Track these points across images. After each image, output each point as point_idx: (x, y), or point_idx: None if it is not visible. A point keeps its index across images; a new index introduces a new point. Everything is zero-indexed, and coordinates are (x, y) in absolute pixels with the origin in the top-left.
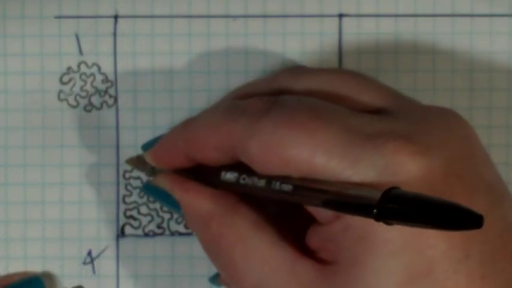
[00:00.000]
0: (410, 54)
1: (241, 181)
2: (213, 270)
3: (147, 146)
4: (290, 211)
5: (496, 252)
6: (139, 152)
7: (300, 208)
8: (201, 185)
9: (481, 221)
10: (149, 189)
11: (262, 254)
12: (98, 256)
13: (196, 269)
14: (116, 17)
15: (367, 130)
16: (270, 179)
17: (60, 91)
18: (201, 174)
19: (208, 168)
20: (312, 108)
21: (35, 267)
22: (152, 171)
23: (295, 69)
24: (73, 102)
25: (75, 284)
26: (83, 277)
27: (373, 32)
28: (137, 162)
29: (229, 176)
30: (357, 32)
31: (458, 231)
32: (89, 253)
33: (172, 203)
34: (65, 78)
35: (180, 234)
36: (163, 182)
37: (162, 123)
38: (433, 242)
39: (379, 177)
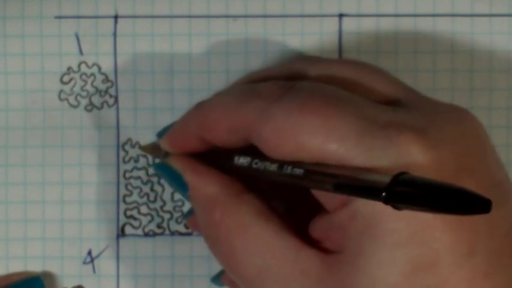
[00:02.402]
0: (410, 54)
1: (254, 165)
2: (214, 270)
3: (162, 133)
4: (295, 205)
5: (501, 250)
6: (140, 152)
7: (305, 203)
8: (212, 169)
9: (489, 205)
10: (160, 168)
11: (264, 243)
12: (98, 256)
13: (196, 269)
14: (116, 17)
15: (381, 120)
16: (282, 163)
17: (61, 91)
18: (214, 158)
19: (222, 153)
20: (326, 95)
21: (35, 267)
22: (166, 158)
23: (311, 57)
24: (73, 102)
25: (75, 284)
26: (83, 277)
27: (373, 32)
28: (151, 149)
29: (243, 160)
30: (357, 32)
31: (466, 215)
32: (89, 253)
33: (180, 185)
34: (66, 78)
35: (180, 234)
36: (176, 163)
37: (162, 123)
38: (439, 235)
39: (390, 166)
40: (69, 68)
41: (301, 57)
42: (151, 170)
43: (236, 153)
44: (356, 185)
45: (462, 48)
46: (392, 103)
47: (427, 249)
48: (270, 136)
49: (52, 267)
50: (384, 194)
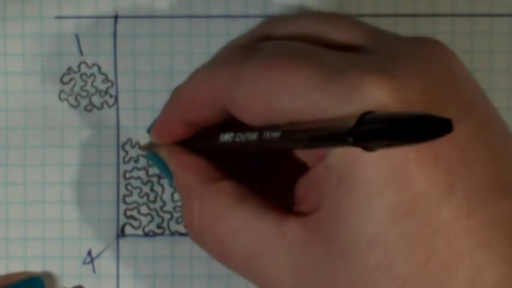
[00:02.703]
0: None
1: (237, 139)
2: (214, 270)
3: (150, 128)
4: (273, 185)
5: (483, 185)
6: (140, 152)
7: (283, 180)
8: (193, 157)
9: (449, 124)
10: (151, 159)
11: (246, 224)
12: (98, 256)
13: (196, 269)
14: (116, 17)
15: (343, 67)
16: (260, 131)
17: (61, 91)
18: (203, 142)
19: (210, 135)
20: (288, 51)
21: (35, 267)
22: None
23: (275, 18)
24: (73, 102)
25: (75, 284)
26: (83, 277)
27: None
28: (150, 147)
29: (227, 136)
30: None
31: (429, 141)
32: (89, 253)
33: (169, 174)
34: (66, 79)
35: (180, 234)
36: (163, 153)
37: None
38: (414, 179)
39: (357, 112)
40: (69, 68)
41: (268, 19)
42: (151, 170)
43: (221, 131)
44: (325, 134)
45: (462, 48)
46: (357, 49)
47: (403, 194)
48: (242, 100)
49: (52, 267)
50: (350, 136)
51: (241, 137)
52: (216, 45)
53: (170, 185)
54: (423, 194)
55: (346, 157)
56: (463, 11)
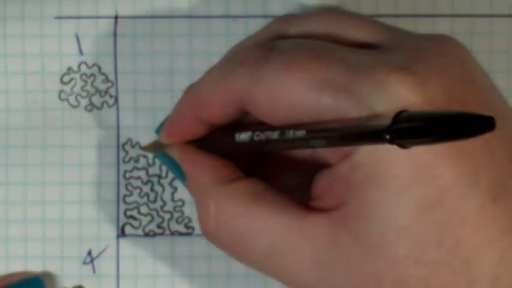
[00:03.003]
0: None
1: (256, 138)
2: (214, 270)
3: (159, 128)
4: (292, 182)
5: (505, 173)
6: (140, 152)
7: (301, 177)
8: (207, 157)
9: (492, 122)
10: (161, 158)
11: (266, 222)
12: (98, 256)
13: (196, 269)
14: (116, 17)
15: (366, 65)
16: (282, 129)
17: (61, 91)
18: (216, 142)
19: (223, 135)
20: (310, 50)
21: (35, 267)
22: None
23: (287, 16)
24: (73, 102)
25: (75, 284)
26: (83, 277)
27: None
28: (153, 147)
29: (244, 136)
30: None
31: (472, 137)
32: (89, 253)
33: (180, 174)
34: (66, 79)
35: (180, 234)
36: (175, 152)
37: None
38: (441, 171)
39: (384, 111)
40: (69, 68)
41: (278, 18)
42: (151, 170)
43: (236, 131)
44: (360, 132)
45: None
46: (373, 46)
47: (431, 187)
48: (263, 99)
49: (52, 267)
50: (387, 134)
51: (261, 136)
52: (216, 45)
53: (183, 185)
54: (450, 184)
55: (374, 154)
56: (463, 11)
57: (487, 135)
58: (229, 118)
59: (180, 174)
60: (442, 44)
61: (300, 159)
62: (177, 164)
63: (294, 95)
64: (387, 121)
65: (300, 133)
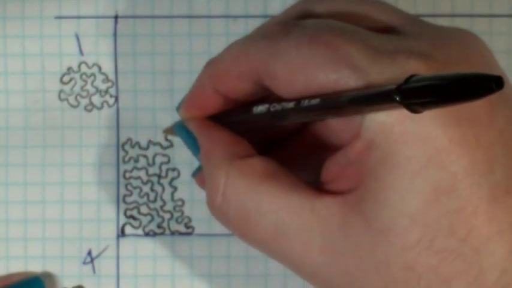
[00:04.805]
0: None
1: (272, 109)
2: (214, 270)
3: (180, 105)
4: (303, 162)
5: None
6: (140, 152)
7: (314, 158)
8: (224, 132)
9: (501, 81)
10: (179, 130)
11: (275, 200)
12: (98, 256)
13: (196, 269)
14: (116, 17)
15: (387, 48)
16: (298, 100)
17: (61, 91)
18: (234, 116)
19: (241, 109)
20: (332, 28)
21: (35, 267)
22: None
23: None
24: (74, 102)
25: (75, 284)
26: (83, 277)
27: None
28: (174, 130)
29: (261, 108)
30: None
31: (482, 97)
32: (89, 253)
33: (195, 147)
34: (66, 78)
35: (180, 234)
36: (193, 125)
37: (162, 123)
38: (456, 158)
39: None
40: (69, 68)
41: None
42: (151, 170)
43: (253, 105)
44: (368, 94)
45: None
46: (396, 33)
47: (445, 173)
48: (281, 72)
49: (52, 267)
50: (397, 95)
51: (277, 107)
52: (216, 45)
53: (197, 158)
54: (465, 172)
55: (387, 134)
56: (463, 11)
57: (503, 126)
58: (247, 92)
59: (196, 148)
60: (461, 35)
61: (313, 147)
62: (194, 137)
63: (312, 68)
64: (398, 82)
65: (315, 101)
